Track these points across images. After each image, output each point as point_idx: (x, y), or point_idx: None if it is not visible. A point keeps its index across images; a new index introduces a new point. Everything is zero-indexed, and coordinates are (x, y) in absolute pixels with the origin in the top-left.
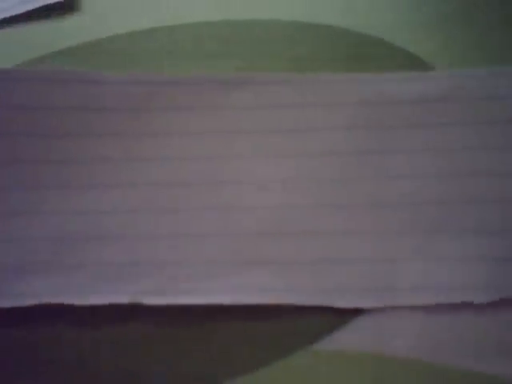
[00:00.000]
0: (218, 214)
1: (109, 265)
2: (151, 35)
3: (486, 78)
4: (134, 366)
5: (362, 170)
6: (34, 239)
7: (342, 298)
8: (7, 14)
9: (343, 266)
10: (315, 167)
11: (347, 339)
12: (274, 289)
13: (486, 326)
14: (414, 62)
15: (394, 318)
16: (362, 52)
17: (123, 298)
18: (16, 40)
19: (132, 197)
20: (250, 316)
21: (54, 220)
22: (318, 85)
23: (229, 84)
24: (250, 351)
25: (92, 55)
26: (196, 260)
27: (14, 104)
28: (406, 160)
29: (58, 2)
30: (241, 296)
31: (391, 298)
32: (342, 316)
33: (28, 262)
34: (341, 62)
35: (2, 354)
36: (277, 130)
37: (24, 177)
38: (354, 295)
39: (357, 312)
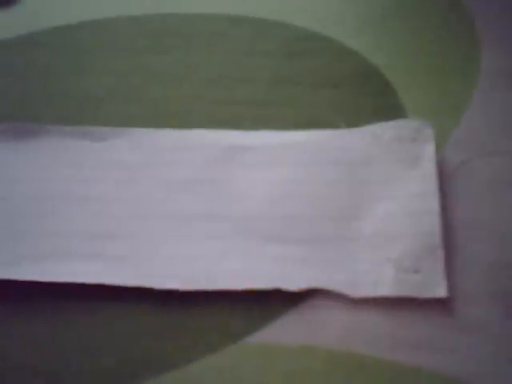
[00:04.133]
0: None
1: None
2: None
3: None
4: (46, 365)
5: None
6: None
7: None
8: None
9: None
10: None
11: (276, 333)
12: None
13: (416, 321)
14: (350, 55)
15: (319, 312)
16: (298, 46)
17: None
18: None
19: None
20: (177, 312)
21: None
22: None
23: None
24: (176, 348)
25: (27, 48)
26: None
27: None
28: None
29: None
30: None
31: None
32: (270, 311)
33: None
34: (279, 57)
35: None
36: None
37: None
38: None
39: (284, 308)
